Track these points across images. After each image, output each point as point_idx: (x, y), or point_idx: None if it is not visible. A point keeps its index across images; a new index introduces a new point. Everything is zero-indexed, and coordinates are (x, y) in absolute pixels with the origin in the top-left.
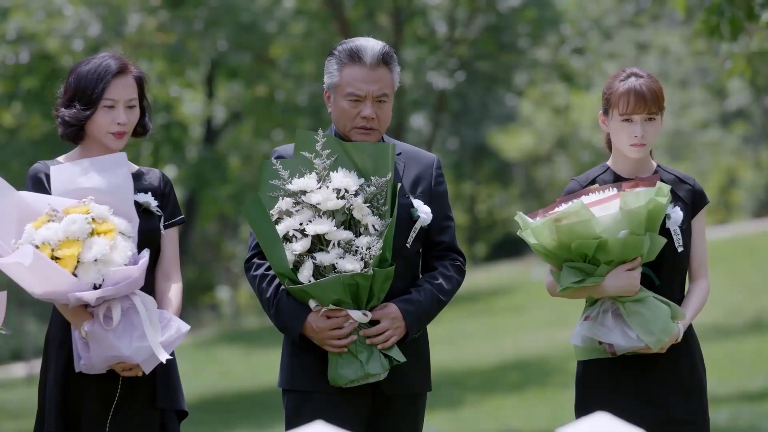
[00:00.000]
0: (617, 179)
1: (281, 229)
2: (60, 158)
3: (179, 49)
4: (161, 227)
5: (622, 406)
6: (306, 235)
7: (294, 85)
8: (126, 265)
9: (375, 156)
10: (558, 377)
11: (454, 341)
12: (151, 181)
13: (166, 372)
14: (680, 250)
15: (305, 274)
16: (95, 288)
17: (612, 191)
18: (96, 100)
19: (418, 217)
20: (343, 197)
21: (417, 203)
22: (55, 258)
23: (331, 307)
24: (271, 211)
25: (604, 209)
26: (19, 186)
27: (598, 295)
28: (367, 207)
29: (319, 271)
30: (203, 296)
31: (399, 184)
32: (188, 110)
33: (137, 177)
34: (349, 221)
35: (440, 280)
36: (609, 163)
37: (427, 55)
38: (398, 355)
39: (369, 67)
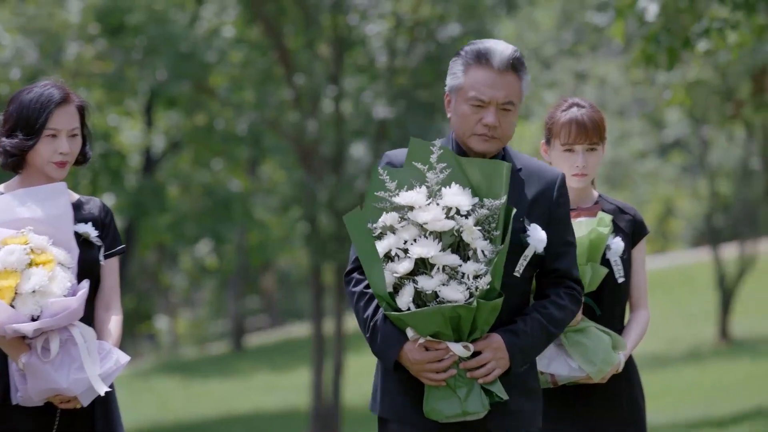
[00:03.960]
0: None
1: (383, 246)
2: None
3: (118, 77)
4: (101, 258)
5: None
6: (409, 256)
7: (233, 113)
8: (65, 296)
9: (490, 175)
10: None
11: None
12: (92, 210)
13: (105, 403)
14: (621, 280)
15: (404, 300)
16: (33, 320)
17: None
18: (39, 129)
19: (528, 244)
20: (452, 218)
21: (532, 229)
22: None
23: (429, 339)
24: (374, 225)
25: None
26: None
27: None
28: (478, 230)
29: (420, 297)
30: (141, 325)
31: (514, 209)
32: (127, 139)
33: (77, 207)
34: (457, 243)
35: (551, 310)
36: None
37: (368, 84)
38: (501, 392)
39: (497, 72)
